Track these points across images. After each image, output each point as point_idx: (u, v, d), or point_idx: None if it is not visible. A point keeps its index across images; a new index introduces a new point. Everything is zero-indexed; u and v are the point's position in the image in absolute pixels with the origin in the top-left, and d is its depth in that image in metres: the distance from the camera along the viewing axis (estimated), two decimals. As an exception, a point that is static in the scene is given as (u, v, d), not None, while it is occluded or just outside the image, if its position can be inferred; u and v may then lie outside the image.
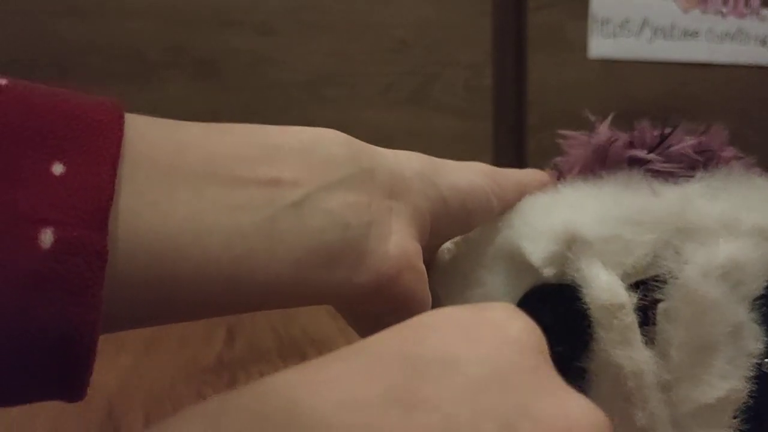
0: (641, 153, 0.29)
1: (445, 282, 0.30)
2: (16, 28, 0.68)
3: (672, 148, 0.29)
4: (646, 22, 0.83)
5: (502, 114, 0.84)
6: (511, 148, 0.84)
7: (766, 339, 0.26)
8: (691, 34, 0.85)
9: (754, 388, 0.26)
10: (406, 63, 0.77)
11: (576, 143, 0.32)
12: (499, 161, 0.83)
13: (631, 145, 0.29)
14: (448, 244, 0.32)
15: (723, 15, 0.86)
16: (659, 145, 0.29)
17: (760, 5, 0.87)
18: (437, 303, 0.30)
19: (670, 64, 0.85)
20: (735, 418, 0.26)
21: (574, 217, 0.27)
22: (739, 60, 0.87)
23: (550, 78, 0.81)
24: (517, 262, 0.28)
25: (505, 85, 0.83)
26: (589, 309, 0.26)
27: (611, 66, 0.83)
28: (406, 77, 0.77)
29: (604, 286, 0.25)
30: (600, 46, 0.82)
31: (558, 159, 0.32)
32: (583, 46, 0.82)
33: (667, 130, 0.30)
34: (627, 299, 0.25)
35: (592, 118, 0.31)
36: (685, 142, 0.29)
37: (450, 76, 0.79)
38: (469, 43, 0.79)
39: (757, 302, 0.26)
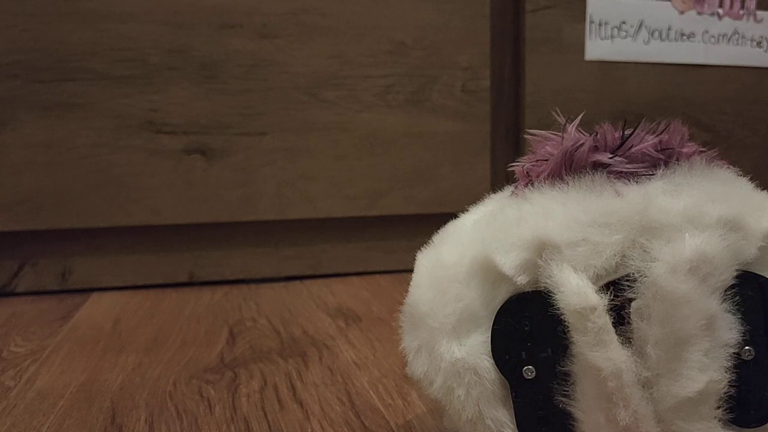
0: (604, 157, 0.29)
1: (427, 299, 0.30)
2: (18, 31, 0.69)
3: (634, 149, 0.29)
4: (643, 24, 0.84)
5: (500, 116, 0.84)
6: (509, 149, 0.85)
7: (741, 328, 0.26)
8: (687, 36, 0.85)
9: (735, 377, 0.26)
10: (405, 65, 0.78)
11: (543, 141, 0.32)
12: (496, 163, 0.84)
13: (595, 149, 0.30)
14: (423, 262, 0.32)
15: (719, 17, 0.86)
16: (621, 146, 0.30)
17: (755, 7, 0.88)
18: (421, 320, 0.30)
19: (666, 65, 0.86)
20: (719, 408, 0.26)
21: (542, 224, 0.27)
22: (735, 61, 0.88)
23: (548, 80, 0.82)
24: (492, 274, 0.28)
25: (503, 87, 0.84)
26: (563, 314, 0.26)
27: (608, 68, 0.83)
28: (404, 79, 0.78)
29: (575, 291, 0.26)
30: (597, 48, 0.83)
31: (525, 157, 0.32)
32: (580, 48, 0.82)
33: (628, 131, 0.30)
34: (598, 301, 0.26)
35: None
36: (646, 142, 0.30)
37: (448, 78, 0.79)
38: (468, 45, 0.79)
39: (729, 292, 0.26)
